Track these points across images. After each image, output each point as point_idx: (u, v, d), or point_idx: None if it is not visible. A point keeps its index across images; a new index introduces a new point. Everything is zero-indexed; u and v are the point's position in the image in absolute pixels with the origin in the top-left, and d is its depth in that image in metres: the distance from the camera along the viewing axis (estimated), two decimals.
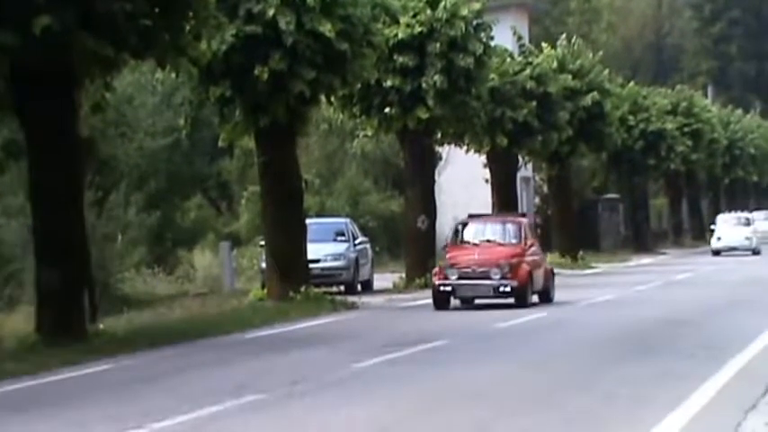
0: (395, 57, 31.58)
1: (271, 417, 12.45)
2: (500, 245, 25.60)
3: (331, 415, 12.28)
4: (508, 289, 24.51)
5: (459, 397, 13.23)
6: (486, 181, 40.91)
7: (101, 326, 20.50)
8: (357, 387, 14.33)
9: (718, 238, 50.94)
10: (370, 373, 15.41)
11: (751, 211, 62.65)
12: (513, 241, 25.74)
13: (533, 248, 26.15)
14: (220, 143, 28.25)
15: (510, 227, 26.16)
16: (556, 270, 27.40)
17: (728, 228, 51.14)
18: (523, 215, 30.24)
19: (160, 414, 12.48)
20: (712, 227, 53.39)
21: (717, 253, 50.27)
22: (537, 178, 53.80)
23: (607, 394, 12.85)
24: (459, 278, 24.81)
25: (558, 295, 26.64)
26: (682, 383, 13.30)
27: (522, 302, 24.58)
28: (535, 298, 25.58)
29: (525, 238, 25.87)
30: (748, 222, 51.69)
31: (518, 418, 11.76)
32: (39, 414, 13.39)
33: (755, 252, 49.73)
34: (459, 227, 26.72)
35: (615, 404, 12.18)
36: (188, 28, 19.86)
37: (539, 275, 25.69)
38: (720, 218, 53.35)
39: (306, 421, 12.05)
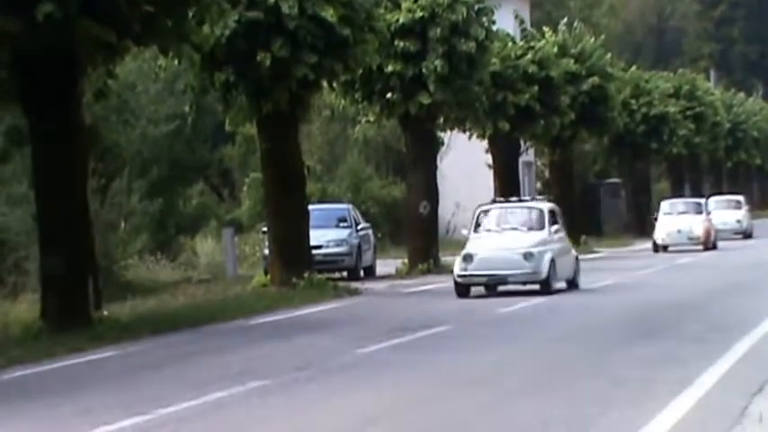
0: (396, 42, 31.53)
1: (276, 402, 12.47)
2: None
3: (336, 401, 12.29)
4: None
5: (463, 382, 13.24)
6: (489, 166, 40.88)
7: (105, 313, 20.51)
8: (361, 373, 14.34)
9: (464, 268, 23.54)
10: (373, 359, 15.42)
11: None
12: None
13: None
14: (227, 129, 28.26)
15: None
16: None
17: (494, 237, 24.23)
18: None
19: (166, 400, 12.50)
20: (464, 231, 25.46)
21: (464, 290, 23.71)
22: (539, 163, 53.76)
23: (612, 378, 12.85)
24: None
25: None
26: (687, 367, 13.30)
27: None
28: None
29: None
30: (542, 223, 24.18)
31: (524, 402, 11.76)
32: (45, 401, 13.40)
33: (545, 286, 23.54)
34: None
35: (621, 388, 12.18)
36: (190, 14, 19.83)
37: None
38: (481, 214, 24.81)
39: (311, 407, 12.07)
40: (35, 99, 19.77)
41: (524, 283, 24.07)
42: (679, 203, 42.40)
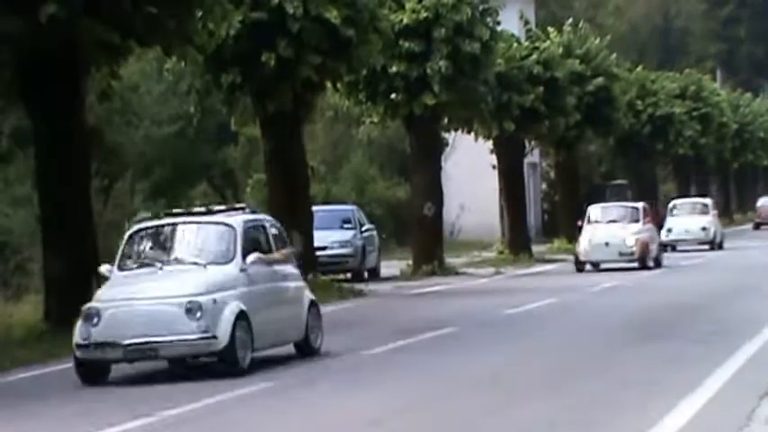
0: (401, 42, 31.47)
1: (280, 404, 12.41)
2: None
3: (340, 402, 12.23)
4: None
5: (469, 383, 13.17)
6: (494, 167, 40.80)
7: None
8: (367, 374, 14.28)
9: (86, 335, 14.12)
10: (379, 361, 15.35)
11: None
12: None
13: None
14: (233, 128, 28.20)
15: None
16: (563, 257, 26.22)
17: (143, 279, 14.86)
18: None
19: (170, 402, 12.45)
20: (104, 269, 15.60)
21: (90, 374, 14.22)
22: (544, 164, 53.69)
23: (619, 380, 12.78)
24: None
25: (566, 281, 26.34)
26: (694, 369, 13.21)
27: None
28: None
29: None
30: (228, 252, 14.67)
31: (530, 403, 11.68)
32: (48, 402, 13.36)
33: (228, 358, 14.04)
34: None
35: (628, 390, 12.10)
36: (195, 15, 19.78)
37: None
38: (133, 237, 15.18)
39: (317, 408, 12.00)
40: (38, 100, 19.72)
41: (195, 357, 14.39)
42: (611, 209, 33.61)
